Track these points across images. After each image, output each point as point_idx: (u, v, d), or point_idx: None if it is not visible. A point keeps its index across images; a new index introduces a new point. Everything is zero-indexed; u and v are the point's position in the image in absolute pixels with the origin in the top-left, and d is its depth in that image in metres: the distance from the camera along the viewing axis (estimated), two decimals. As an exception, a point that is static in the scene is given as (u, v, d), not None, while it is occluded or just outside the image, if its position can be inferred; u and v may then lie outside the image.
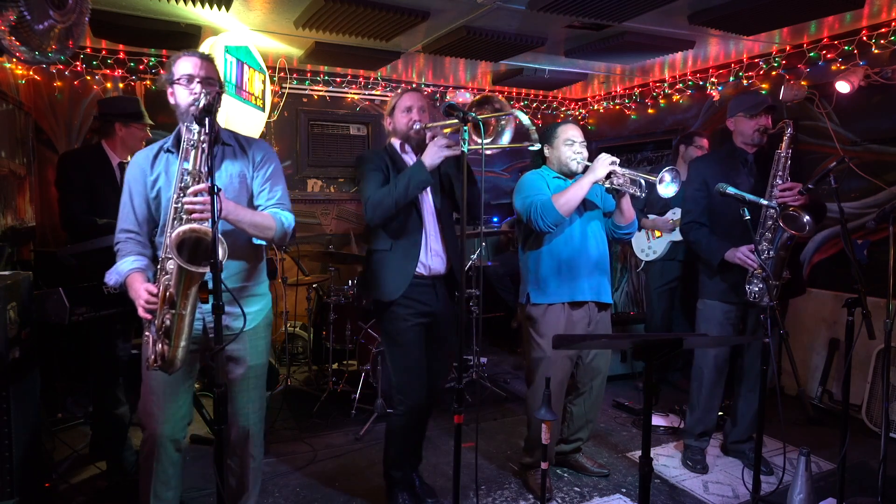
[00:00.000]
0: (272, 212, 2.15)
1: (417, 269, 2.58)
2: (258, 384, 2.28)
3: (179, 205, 1.86)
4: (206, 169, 1.85)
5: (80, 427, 3.62)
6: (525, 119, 2.38)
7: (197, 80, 2.01)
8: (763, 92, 4.52)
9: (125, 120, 3.07)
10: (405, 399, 2.62)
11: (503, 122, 2.41)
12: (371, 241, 2.69)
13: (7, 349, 2.23)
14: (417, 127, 2.58)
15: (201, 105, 1.79)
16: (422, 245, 2.58)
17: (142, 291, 1.90)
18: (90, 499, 2.88)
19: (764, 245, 2.84)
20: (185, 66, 2.04)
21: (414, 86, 5.70)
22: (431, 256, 2.61)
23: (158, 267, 1.92)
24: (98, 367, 2.94)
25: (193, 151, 1.88)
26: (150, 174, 2.08)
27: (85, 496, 2.89)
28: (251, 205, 2.18)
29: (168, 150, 2.10)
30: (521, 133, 2.47)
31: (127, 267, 2.03)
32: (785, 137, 2.88)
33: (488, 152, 2.30)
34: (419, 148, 2.60)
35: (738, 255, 2.91)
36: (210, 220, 1.73)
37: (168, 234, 1.86)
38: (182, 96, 2.03)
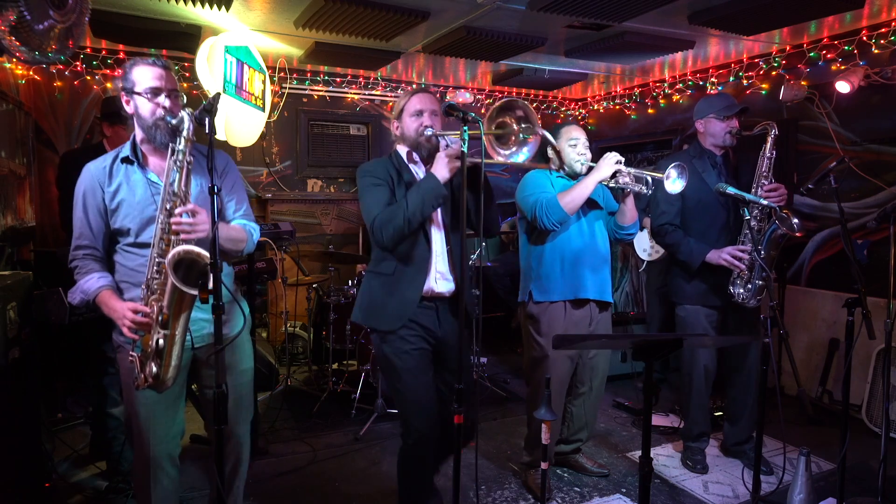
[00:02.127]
0: (241, 223, 2.17)
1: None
2: (250, 389, 2.27)
3: (166, 225, 1.86)
4: (190, 188, 1.88)
5: (80, 427, 3.62)
6: (550, 137, 2.17)
7: (164, 93, 1.95)
8: (763, 92, 4.53)
9: (111, 120, 3.07)
10: (412, 433, 2.32)
11: (525, 134, 2.12)
12: (371, 262, 2.40)
13: (7, 349, 2.23)
14: (429, 133, 2.25)
15: (203, 105, 1.79)
16: (429, 270, 2.29)
17: (127, 311, 1.86)
18: (90, 499, 2.87)
19: (749, 245, 2.84)
20: (146, 76, 1.95)
21: (414, 87, 5.70)
22: (437, 280, 2.31)
23: (144, 286, 1.89)
24: (97, 367, 2.94)
25: (178, 172, 1.86)
26: (109, 185, 2.00)
27: (85, 496, 2.89)
28: (220, 215, 2.17)
29: (127, 160, 2.02)
30: (540, 150, 2.22)
31: (94, 284, 1.97)
32: (769, 139, 2.89)
33: (501, 159, 2.11)
34: (430, 157, 2.28)
35: (723, 257, 2.89)
36: (216, 223, 1.73)
37: (153, 255, 1.87)
38: (145, 108, 1.96)
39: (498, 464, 3.30)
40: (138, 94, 1.95)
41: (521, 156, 2.18)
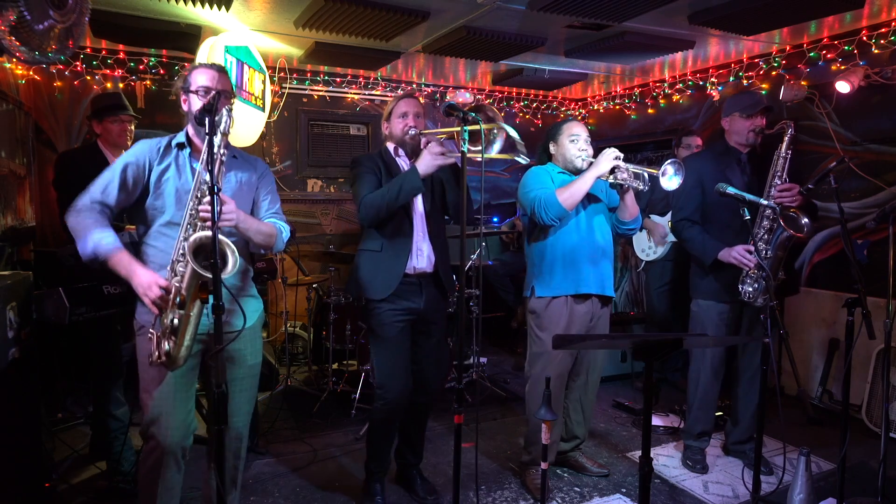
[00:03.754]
0: (273, 221, 2.27)
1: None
2: (255, 384, 2.32)
3: (195, 211, 1.93)
4: (219, 180, 1.93)
5: (80, 427, 3.62)
6: (513, 133, 2.38)
7: (214, 92, 2.07)
8: (763, 92, 4.53)
9: (98, 116, 3.06)
10: (385, 395, 2.67)
11: (494, 132, 2.44)
12: (362, 241, 2.76)
13: (7, 349, 2.23)
14: (413, 133, 2.65)
15: (203, 104, 1.82)
16: (411, 247, 2.64)
17: (154, 285, 1.89)
18: (90, 499, 2.87)
19: (760, 245, 2.84)
20: (202, 77, 2.11)
21: (413, 87, 5.70)
22: (418, 257, 2.67)
23: (169, 269, 1.94)
24: (98, 367, 2.94)
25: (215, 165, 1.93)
26: (159, 164, 2.11)
27: (85, 496, 2.89)
28: (254, 212, 2.28)
29: (180, 146, 2.15)
30: (510, 144, 2.49)
31: (113, 243, 1.98)
32: (785, 138, 2.88)
33: (479, 158, 2.31)
34: (414, 153, 2.65)
35: (733, 255, 2.91)
36: (216, 223, 1.77)
37: (180, 239, 1.93)
38: (196, 105, 2.10)
39: (498, 464, 3.30)
40: (193, 92, 2.10)
41: (494, 148, 2.50)
